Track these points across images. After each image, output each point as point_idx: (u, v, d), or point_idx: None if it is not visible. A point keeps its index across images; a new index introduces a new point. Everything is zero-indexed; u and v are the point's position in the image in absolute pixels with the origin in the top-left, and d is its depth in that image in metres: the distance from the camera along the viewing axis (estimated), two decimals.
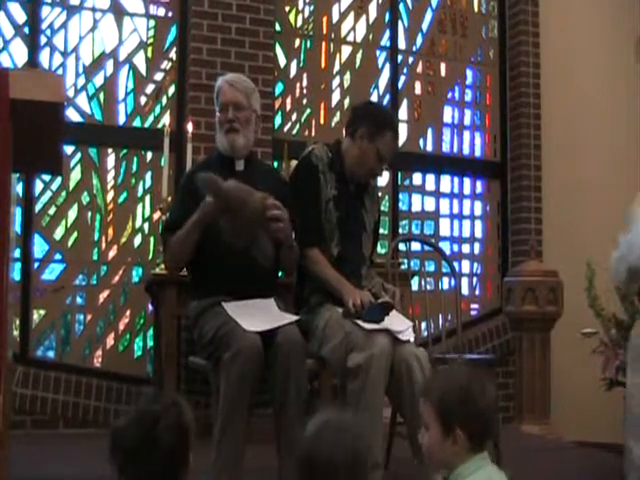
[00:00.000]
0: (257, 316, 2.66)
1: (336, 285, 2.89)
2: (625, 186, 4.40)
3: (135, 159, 4.62)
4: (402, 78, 5.37)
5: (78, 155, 4.50)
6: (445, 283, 5.15)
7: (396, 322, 2.84)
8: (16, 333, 4.22)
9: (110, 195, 4.57)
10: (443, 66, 5.53)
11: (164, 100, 4.73)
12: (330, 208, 2.99)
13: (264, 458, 2.71)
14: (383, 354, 2.68)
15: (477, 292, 5.47)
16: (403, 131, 5.34)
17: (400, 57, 5.36)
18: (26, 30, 4.46)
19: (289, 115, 5.03)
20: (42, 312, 4.39)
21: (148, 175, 4.63)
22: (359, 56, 5.27)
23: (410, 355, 2.76)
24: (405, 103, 5.35)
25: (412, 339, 2.87)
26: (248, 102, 2.96)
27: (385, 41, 5.34)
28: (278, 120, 4.95)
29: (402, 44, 5.39)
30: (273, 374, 2.63)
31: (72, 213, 4.48)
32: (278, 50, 4.98)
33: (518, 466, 2.99)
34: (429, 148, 5.44)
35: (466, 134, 5.58)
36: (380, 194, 4.22)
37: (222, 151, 2.99)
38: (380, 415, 2.72)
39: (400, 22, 5.39)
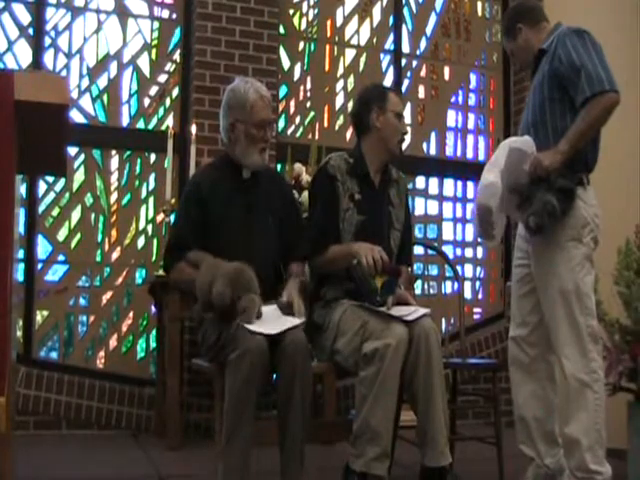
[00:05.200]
0: (262, 320, 2.65)
1: (347, 251, 2.88)
2: (630, 190, 4.38)
3: (139, 161, 4.63)
4: (406, 82, 5.37)
5: (82, 156, 4.51)
6: (448, 287, 5.14)
7: (406, 309, 2.87)
8: (19, 334, 4.22)
9: (114, 197, 4.57)
10: (447, 70, 5.53)
11: (168, 102, 4.73)
12: (349, 216, 2.99)
13: (270, 460, 2.69)
14: (400, 344, 2.68)
15: (480, 296, 5.46)
16: (407, 135, 5.32)
17: (404, 61, 5.37)
18: (30, 31, 4.47)
19: (293, 118, 5.03)
20: (45, 313, 4.40)
21: (152, 177, 4.64)
22: (363, 59, 5.28)
23: (429, 328, 2.79)
24: (409, 107, 5.34)
25: (427, 311, 2.88)
26: None
27: (389, 45, 5.35)
28: (282, 123, 4.95)
29: (406, 48, 5.39)
30: (278, 377, 2.63)
31: (75, 214, 4.48)
32: (282, 53, 4.98)
33: (521, 469, 2.99)
34: (432, 152, 5.44)
35: (470, 138, 5.58)
36: None
37: (244, 162, 2.93)
38: (393, 405, 2.72)
39: (404, 26, 5.39)
